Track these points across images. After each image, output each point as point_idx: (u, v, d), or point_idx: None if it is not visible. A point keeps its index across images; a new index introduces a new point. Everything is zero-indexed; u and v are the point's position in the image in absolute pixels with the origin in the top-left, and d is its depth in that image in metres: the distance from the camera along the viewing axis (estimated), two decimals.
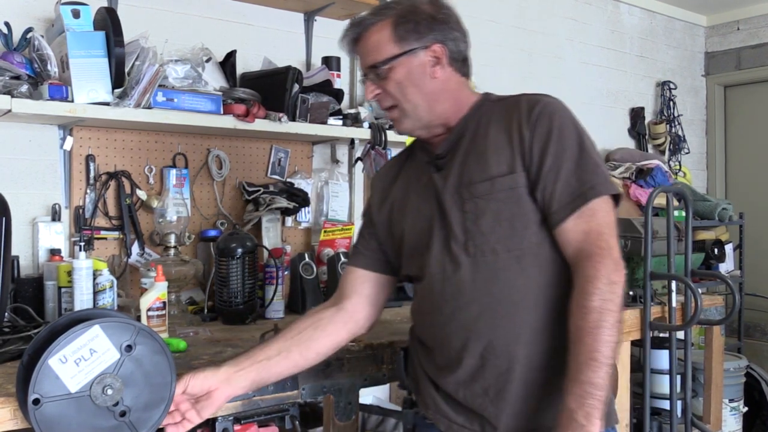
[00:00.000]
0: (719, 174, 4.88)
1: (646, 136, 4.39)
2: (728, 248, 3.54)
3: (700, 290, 2.56)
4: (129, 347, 1.28)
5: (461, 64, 1.47)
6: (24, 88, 2.01)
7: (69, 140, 2.28)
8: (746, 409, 3.16)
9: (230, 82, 2.56)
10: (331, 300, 1.60)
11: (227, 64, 2.58)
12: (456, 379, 1.40)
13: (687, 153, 4.60)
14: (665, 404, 2.71)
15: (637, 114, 4.37)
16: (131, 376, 1.29)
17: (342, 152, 2.95)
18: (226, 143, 2.62)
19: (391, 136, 2.59)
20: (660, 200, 2.82)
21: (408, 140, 1.90)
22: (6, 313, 1.82)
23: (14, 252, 1.96)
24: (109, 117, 2.13)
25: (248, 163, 2.68)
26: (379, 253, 1.59)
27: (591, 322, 1.25)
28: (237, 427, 1.60)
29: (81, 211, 2.30)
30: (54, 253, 2.16)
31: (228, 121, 2.36)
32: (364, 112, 2.77)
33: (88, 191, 2.32)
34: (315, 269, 2.50)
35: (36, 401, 1.20)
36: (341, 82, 2.86)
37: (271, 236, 2.64)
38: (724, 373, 2.91)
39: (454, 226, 1.39)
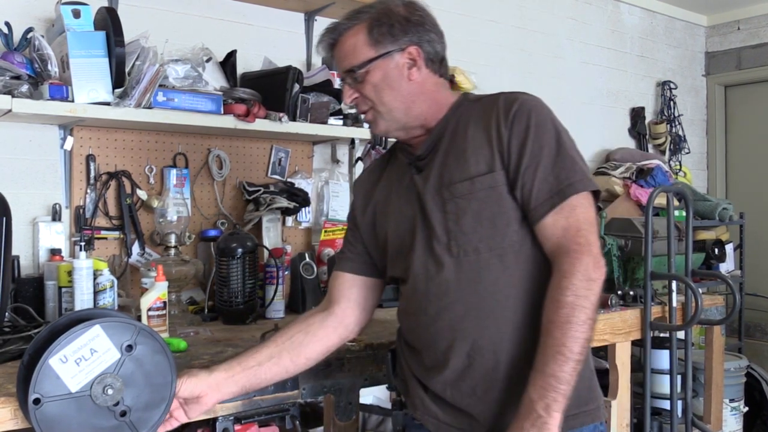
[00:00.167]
0: (720, 174, 4.88)
1: (647, 136, 4.39)
2: (729, 248, 3.53)
3: (700, 290, 2.56)
4: (129, 347, 1.28)
5: (438, 65, 1.47)
6: (24, 88, 2.01)
7: (69, 140, 2.28)
8: (747, 409, 3.16)
9: (231, 81, 2.56)
10: (321, 305, 1.61)
11: (228, 63, 2.58)
12: (443, 380, 1.41)
13: (687, 153, 4.60)
14: (666, 404, 2.70)
15: (637, 114, 4.37)
16: (132, 376, 1.29)
17: (342, 152, 2.95)
18: (227, 143, 2.62)
19: None
20: (660, 200, 2.82)
21: None
22: (6, 313, 1.82)
23: (15, 252, 1.96)
24: (110, 117, 2.13)
25: (249, 162, 2.68)
26: (365, 257, 1.59)
27: (562, 317, 1.25)
28: (237, 427, 1.60)
29: (81, 210, 2.31)
30: (54, 252, 2.16)
31: (228, 121, 2.36)
32: None
33: (89, 191, 2.32)
34: (315, 269, 2.50)
35: (36, 401, 1.20)
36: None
37: (271, 236, 2.64)
38: (724, 373, 2.91)
39: (436, 226, 1.40)
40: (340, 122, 2.67)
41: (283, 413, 1.68)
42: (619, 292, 2.50)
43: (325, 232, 2.75)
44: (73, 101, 2.04)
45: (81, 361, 1.24)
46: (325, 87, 2.64)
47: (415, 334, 1.47)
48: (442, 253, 1.39)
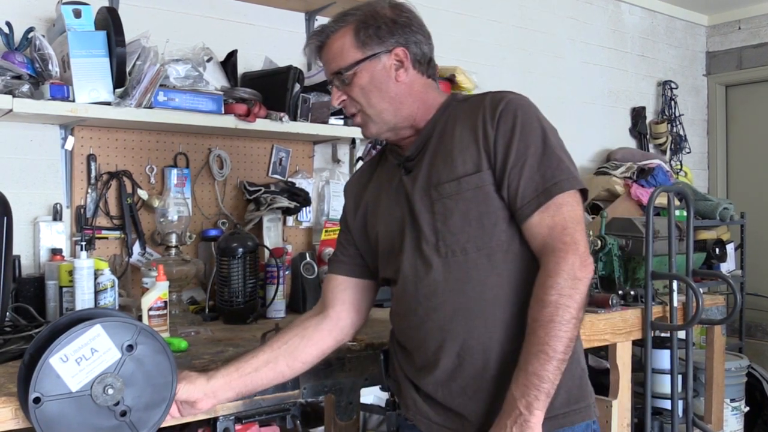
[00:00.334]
0: (720, 173, 4.88)
1: (648, 136, 4.39)
2: (729, 248, 3.53)
3: (701, 290, 2.56)
4: (130, 347, 1.28)
5: (426, 66, 1.47)
6: (25, 87, 2.02)
7: (70, 140, 2.28)
8: (747, 408, 3.16)
9: (231, 81, 2.56)
10: (315, 308, 1.62)
11: (228, 63, 2.58)
12: (434, 380, 1.41)
13: (688, 152, 4.60)
14: (666, 404, 2.70)
15: (638, 113, 4.37)
16: (132, 376, 1.29)
17: (343, 152, 2.95)
18: (227, 143, 2.62)
19: None
20: (661, 200, 2.82)
21: None
22: (7, 313, 1.82)
23: (16, 251, 1.96)
24: (111, 117, 2.13)
25: (249, 162, 2.68)
26: (357, 259, 1.60)
27: (545, 316, 1.26)
28: (238, 427, 1.60)
29: (82, 210, 2.31)
30: (55, 252, 2.16)
31: (229, 121, 2.36)
32: None
33: (90, 191, 2.32)
34: (316, 269, 2.50)
35: (37, 400, 1.20)
36: None
37: (272, 236, 2.64)
38: (725, 373, 2.91)
39: (424, 227, 1.40)
40: (341, 122, 2.67)
41: (283, 413, 1.68)
42: (620, 292, 2.50)
43: (326, 231, 2.75)
44: (73, 101, 2.05)
45: (81, 360, 1.24)
46: (325, 87, 2.64)
47: (406, 335, 1.48)
48: (431, 254, 1.39)
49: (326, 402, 2.00)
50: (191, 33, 2.54)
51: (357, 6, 1.45)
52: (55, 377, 1.22)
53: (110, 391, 1.26)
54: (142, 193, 2.40)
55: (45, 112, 2.03)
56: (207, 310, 2.31)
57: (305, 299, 2.44)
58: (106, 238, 2.35)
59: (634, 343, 2.54)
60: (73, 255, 2.25)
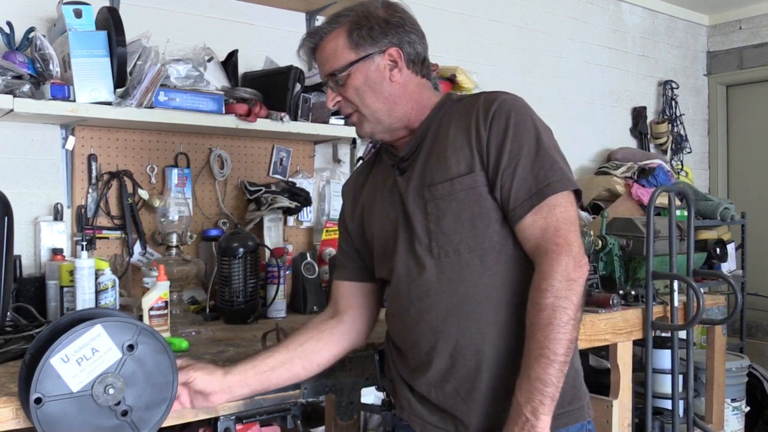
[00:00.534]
0: (721, 173, 4.88)
1: (648, 136, 4.39)
2: (730, 248, 3.53)
3: (702, 290, 2.56)
4: (131, 347, 1.28)
5: (420, 65, 1.47)
6: (26, 87, 2.02)
7: (71, 140, 2.28)
8: (748, 408, 3.15)
9: (232, 81, 2.56)
10: (327, 312, 1.62)
11: (229, 63, 2.58)
12: (428, 380, 1.41)
13: (689, 152, 4.59)
14: (667, 404, 2.70)
15: (639, 113, 4.36)
16: (133, 376, 1.29)
17: (344, 152, 2.95)
18: (228, 143, 2.62)
19: None
20: (662, 200, 2.82)
21: None
22: (8, 313, 1.82)
23: (16, 251, 1.96)
24: (111, 117, 2.13)
25: (250, 162, 2.68)
26: (359, 262, 1.60)
27: (543, 319, 1.25)
28: (239, 427, 1.61)
29: (83, 210, 2.31)
30: (56, 252, 2.16)
31: (230, 121, 2.36)
32: None
33: (90, 191, 2.32)
34: (317, 269, 2.50)
35: (38, 400, 1.20)
36: None
37: (272, 236, 2.64)
38: (726, 373, 2.90)
39: (417, 228, 1.40)
40: (342, 122, 2.66)
41: (284, 413, 1.68)
42: (621, 292, 2.50)
43: (327, 231, 2.75)
44: (74, 101, 2.05)
45: (82, 360, 1.24)
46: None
47: (400, 336, 1.48)
48: (424, 255, 1.39)
49: (327, 402, 2.00)
50: (192, 33, 2.54)
51: (350, 7, 1.45)
52: (56, 377, 1.22)
53: (111, 391, 1.26)
54: (143, 193, 2.40)
55: (46, 112, 2.03)
56: (208, 309, 2.31)
57: (306, 299, 2.44)
58: (107, 238, 2.35)
59: (635, 343, 2.54)
60: (74, 255, 2.25)
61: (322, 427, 2.25)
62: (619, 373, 2.42)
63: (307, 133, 2.57)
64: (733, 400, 3.04)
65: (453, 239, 1.36)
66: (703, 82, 4.90)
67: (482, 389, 1.35)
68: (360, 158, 2.86)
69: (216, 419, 1.57)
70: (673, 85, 4.53)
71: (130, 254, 2.36)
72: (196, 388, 1.40)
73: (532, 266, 1.33)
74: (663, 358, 2.73)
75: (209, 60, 2.45)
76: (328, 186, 2.88)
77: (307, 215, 2.79)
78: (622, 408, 2.42)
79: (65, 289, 2.00)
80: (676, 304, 2.58)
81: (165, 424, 1.38)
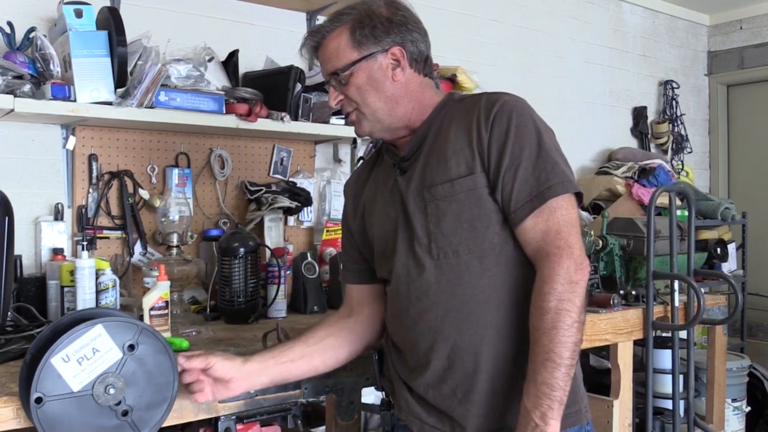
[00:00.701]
0: (722, 173, 4.87)
1: (649, 136, 4.39)
2: (731, 248, 3.52)
3: (702, 290, 2.56)
4: (131, 347, 1.29)
5: (422, 64, 1.46)
6: (27, 87, 2.02)
7: (71, 140, 2.28)
8: (749, 408, 3.15)
9: (233, 81, 2.56)
10: (343, 311, 1.63)
11: (230, 63, 2.58)
12: (425, 381, 1.41)
13: (690, 152, 4.59)
14: (668, 404, 2.70)
15: (639, 113, 4.36)
16: (133, 376, 1.29)
17: (344, 151, 2.95)
18: (229, 143, 2.62)
19: None
20: (663, 200, 2.82)
21: None
22: (9, 313, 1.82)
23: (17, 251, 1.97)
24: (112, 116, 2.13)
25: (250, 162, 2.68)
26: (363, 264, 1.60)
27: (547, 323, 1.25)
28: (239, 426, 1.60)
29: (84, 210, 2.31)
30: (57, 252, 2.16)
31: (230, 121, 2.36)
32: None
33: (91, 191, 2.32)
34: (317, 269, 2.50)
35: (38, 400, 1.20)
36: None
37: (273, 236, 2.64)
38: (726, 373, 2.90)
39: (417, 228, 1.39)
40: (342, 122, 2.66)
41: (285, 413, 1.68)
42: (621, 292, 2.50)
43: (327, 231, 2.75)
44: (75, 101, 2.05)
45: (83, 360, 1.24)
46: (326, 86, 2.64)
47: (399, 336, 1.48)
48: (423, 255, 1.38)
49: (327, 402, 2.00)
50: (192, 33, 2.55)
51: (352, 5, 1.44)
52: (56, 377, 1.22)
53: (112, 391, 1.26)
54: (144, 193, 2.40)
55: (46, 111, 2.03)
56: (208, 309, 2.31)
57: (306, 299, 2.44)
58: (108, 237, 2.35)
59: (636, 342, 2.54)
60: (75, 255, 2.25)
61: (323, 427, 2.25)
62: (620, 373, 2.42)
63: (307, 133, 2.57)
64: (734, 400, 3.04)
65: (452, 240, 1.35)
66: (703, 82, 4.90)
67: (480, 391, 1.35)
68: (360, 158, 2.86)
69: (216, 419, 1.57)
70: (674, 85, 4.53)
71: (131, 254, 2.36)
72: (215, 375, 1.40)
73: (531, 268, 1.33)
74: (664, 358, 2.73)
75: (210, 60, 2.45)
76: (328, 186, 2.88)
77: (308, 215, 2.79)
78: (622, 408, 2.42)
79: (66, 289, 2.00)
80: (676, 304, 2.58)
81: (165, 424, 1.38)
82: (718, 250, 3.16)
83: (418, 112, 1.45)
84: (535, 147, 1.32)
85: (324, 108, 2.58)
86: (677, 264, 2.59)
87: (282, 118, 2.44)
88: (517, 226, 1.33)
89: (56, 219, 2.27)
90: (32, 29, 2.13)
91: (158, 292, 1.85)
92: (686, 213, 2.69)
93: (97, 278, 1.95)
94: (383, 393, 1.64)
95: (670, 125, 4.44)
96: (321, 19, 2.87)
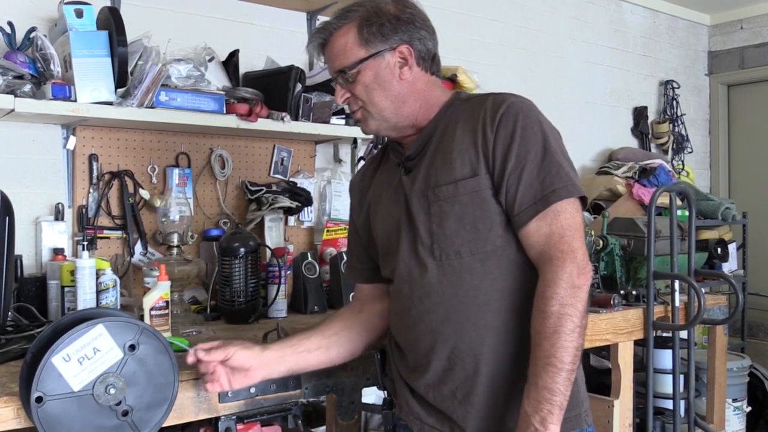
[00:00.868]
0: (722, 173, 4.87)
1: (649, 136, 4.39)
2: (731, 248, 3.52)
3: (703, 290, 2.56)
4: (132, 347, 1.29)
5: (430, 62, 1.45)
6: (27, 87, 2.02)
7: (72, 140, 2.28)
8: (749, 408, 3.15)
9: (233, 81, 2.56)
10: (355, 305, 1.64)
11: (230, 63, 2.58)
12: (426, 381, 1.41)
13: (690, 152, 4.59)
14: (668, 404, 2.70)
15: (640, 113, 4.36)
16: (134, 376, 1.29)
17: (345, 151, 2.95)
18: (229, 143, 2.62)
19: None
20: (663, 199, 2.82)
21: None
22: (9, 313, 1.82)
23: (17, 251, 1.96)
24: (112, 116, 2.13)
25: (251, 162, 2.68)
26: (369, 263, 1.60)
27: (549, 327, 1.24)
28: (240, 426, 1.60)
29: (84, 210, 2.31)
30: (57, 252, 2.16)
31: (231, 121, 2.36)
32: None
33: (91, 191, 2.32)
34: (318, 268, 2.50)
35: (39, 399, 1.20)
36: None
37: (273, 235, 2.64)
38: (727, 373, 2.90)
39: (420, 229, 1.39)
40: (343, 122, 2.67)
41: (285, 413, 1.68)
42: (622, 292, 2.49)
43: (328, 231, 2.75)
44: (75, 101, 2.05)
45: (84, 360, 1.24)
46: (327, 86, 2.63)
47: (401, 335, 1.48)
48: (426, 256, 1.38)
49: (328, 402, 2.00)
50: (193, 33, 2.54)
51: (359, 1, 1.43)
52: (57, 376, 1.22)
53: (112, 391, 1.26)
54: (144, 193, 2.40)
55: (47, 111, 2.03)
56: (208, 309, 2.31)
57: (307, 299, 2.44)
58: (108, 237, 2.35)
59: (636, 342, 2.54)
60: (75, 255, 2.25)
61: (323, 427, 2.25)
62: (620, 373, 2.42)
63: (308, 132, 2.57)
64: (735, 400, 3.04)
65: (455, 242, 1.35)
66: (704, 82, 4.90)
67: (480, 393, 1.35)
68: (361, 158, 2.86)
69: (217, 419, 1.57)
70: (675, 85, 4.53)
71: (131, 254, 2.36)
72: (235, 364, 1.40)
73: (534, 272, 1.32)
74: (664, 358, 2.73)
75: (210, 60, 2.45)
76: (329, 186, 2.88)
77: (308, 215, 2.79)
78: (623, 408, 2.41)
79: (66, 289, 2.00)
80: (677, 303, 2.58)
81: (166, 424, 1.38)
82: (719, 250, 3.16)
83: (424, 111, 1.45)
84: (540, 150, 1.31)
85: (324, 108, 2.58)
86: (678, 264, 2.59)
87: (282, 118, 2.44)
88: (520, 229, 1.32)
89: (57, 219, 2.27)
90: (33, 29, 2.13)
91: (159, 292, 1.85)
92: (687, 213, 2.69)
93: (97, 278, 1.95)
94: (385, 392, 1.64)
95: (671, 125, 4.44)
96: (321, 19, 2.88)
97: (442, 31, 1.52)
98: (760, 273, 4.20)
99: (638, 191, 3.48)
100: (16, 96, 1.98)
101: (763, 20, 4.65)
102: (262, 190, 2.59)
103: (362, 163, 2.80)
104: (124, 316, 1.33)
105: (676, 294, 2.58)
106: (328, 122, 2.61)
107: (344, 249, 2.63)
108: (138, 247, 2.39)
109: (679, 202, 2.73)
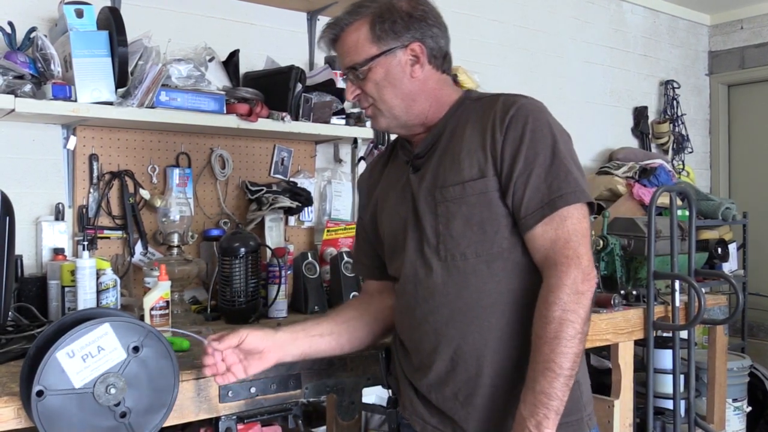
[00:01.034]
0: (723, 173, 4.87)
1: (650, 136, 4.39)
2: (732, 248, 3.52)
3: (703, 290, 2.55)
4: (136, 348, 1.29)
5: (441, 60, 1.45)
6: (27, 87, 2.02)
7: (72, 140, 2.28)
8: (750, 408, 3.15)
9: (233, 81, 2.56)
10: (364, 297, 1.64)
11: (230, 63, 2.58)
12: (429, 382, 1.41)
13: (690, 152, 4.59)
14: (668, 404, 2.70)
15: (640, 113, 4.36)
16: (135, 378, 1.29)
17: (345, 151, 2.95)
18: (229, 143, 2.62)
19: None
20: (663, 199, 2.82)
21: None
22: (10, 312, 1.82)
23: (18, 251, 1.97)
24: (113, 116, 2.13)
25: (251, 162, 2.68)
26: (376, 260, 1.60)
27: (550, 332, 1.24)
28: (240, 426, 1.60)
29: (84, 210, 2.31)
30: (57, 252, 2.16)
31: (231, 121, 2.36)
32: None
33: (92, 191, 2.32)
34: (318, 268, 2.50)
35: (40, 393, 1.20)
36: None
37: (274, 235, 2.64)
38: (727, 373, 2.90)
39: (427, 229, 1.38)
40: (343, 122, 2.67)
41: (285, 413, 1.68)
42: (622, 292, 2.50)
43: (328, 231, 2.75)
44: (76, 101, 2.05)
45: (87, 357, 1.24)
46: (327, 86, 2.64)
47: (405, 334, 1.48)
48: (431, 256, 1.38)
49: (328, 402, 2.00)
50: (193, 33, 2.55)
51: None
52: (59, 372, 1.22)
53: (112, 391, 1.26)
54: (144, 193, 2.40)
55: (47, 111, 2.03)
56: (209, 309, 2.31)
57: (307, 299, 2.44)
58: (108, 237, 2.35)
59: (636, 342, 2.54)
60: (76, 255, 2.25)
61: (323, 427, 2.25)
62: (621, 373, 2.42)
63: (308, 132, 2.57)
64: (735, 400, 3.04)
65: (461, 243, 1.34)
66: (704, 82, 4.90)
67: (482, 395, 1.35)
68: (361, 158, 2.86)
69: (217, 419, 1.57)
70: (675, 85, 4.53)
71: (132, 254, 2.36)
72: (249, 347, 1.39)
73: (538, 275, 1.32)
74: (664, 358, 2.73)
75: (210, 60, 2.45)
76: (329, 186, 2.88)
77: (309, 215, 2.79)
78: (623, 408, 2.42)
79: (66, 289, 2.00)
80: (677, 303, 2.58)
81: (166, 424, 1.38)
82: (719, 250, 3.16)
83: (435, 110, 1.44)
84: (549, 153, 1.30)
85: (324, 108, 2.58)
86: (678, 264, 2.59)
87: (283, 118, 2.44)
88: (526, 232, 1.31)
89: (57, 219, 2.27)
90: (33, 29, 2.13)
91: (159, 292, 1.85)
92: (687, 213, 2.69)
93: (97, 278, 1.95)
94: (389, 391, 1.64)
95: (671, 125, 4.44)
96: (321, 19, 2.88)
97: None
98: (760, 273, 4.20)
99: (638, 191, 3.48)
100: (16, 96, 1.98)
101: (763, 20, 4.65)
102: (263, 190, 2.59)
103: (362, 163, 2.80)
104: (131, 318, 1.33)
105: (677, 294, 2.58)
106: (328, 122, 2.61)
107: (345, 249, 2.64)
108: (138, 247, 2.39)
109: (679, 202, 2.73)
